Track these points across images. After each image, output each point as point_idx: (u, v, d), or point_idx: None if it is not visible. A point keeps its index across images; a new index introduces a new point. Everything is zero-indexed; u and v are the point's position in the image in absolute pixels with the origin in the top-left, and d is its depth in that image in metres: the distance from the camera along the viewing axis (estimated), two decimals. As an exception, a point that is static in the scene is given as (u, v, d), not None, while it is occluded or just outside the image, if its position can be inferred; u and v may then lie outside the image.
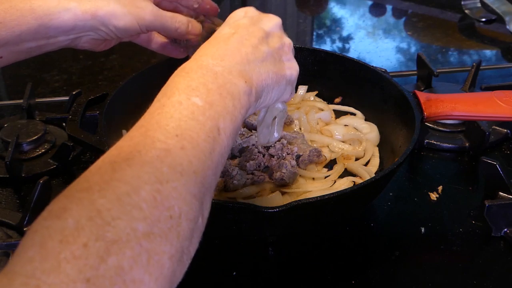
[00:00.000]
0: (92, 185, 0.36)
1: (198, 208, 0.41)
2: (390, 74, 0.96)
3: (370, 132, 0.91)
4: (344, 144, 0.89)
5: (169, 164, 0.40)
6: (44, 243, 0.32)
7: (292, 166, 0.78)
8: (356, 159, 0.86)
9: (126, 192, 0.36)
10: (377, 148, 0.88)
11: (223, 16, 0.66)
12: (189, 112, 0.45)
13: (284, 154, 0.81)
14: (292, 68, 0.59)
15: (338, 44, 1.47)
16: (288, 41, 0.60)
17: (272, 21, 0.60)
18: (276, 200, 0.75)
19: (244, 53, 0.53)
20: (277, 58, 0.57)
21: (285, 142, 0.83)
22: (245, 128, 0.88)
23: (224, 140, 0.46)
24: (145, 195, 0.37)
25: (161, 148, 0.41)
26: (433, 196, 0.83)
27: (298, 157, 0.82)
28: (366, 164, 0.85)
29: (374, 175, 0.81)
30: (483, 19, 1.51)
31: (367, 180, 0.72)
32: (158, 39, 0.79)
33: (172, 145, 0.41)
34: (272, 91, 0.57)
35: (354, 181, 0.80)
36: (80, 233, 0.33)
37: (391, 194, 0.83)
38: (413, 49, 1.41)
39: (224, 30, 0.57)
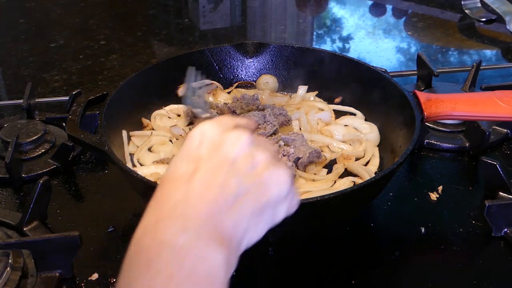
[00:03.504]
0: None
1: None
2: (390, 74, 0.96)
3: (370, 132, 0.91)
4: (344, 144, 0.89)
5: None
6: None
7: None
8: (356, 159, 0.86)
9: None
10: (377, 148, 0.88)
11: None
12: None
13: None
14: (279, 182, 0.47)
15: (338, 44, 1.47)
16: (262, 157, 0.47)
17: (237, 142, 0.47)
18: (276, 200, 0.75)
19: (212, 199, 0.43)
20: (252, 183, 0.46)
21: (282, 143, 0.83)
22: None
23: None
24: None
25: None
26: (433, 196, 0.83)
27: (297, 159, 0.82)
28: (366, 164, 0.85)
29: (374, 175, 0.81)
30: (483, 19, 1.51)
31: (367, 180, 0.72)
32: None
33: None
34: (256, 228, 0.46)
35: (354, 181, 0.80)
36: None
37: (391, 194, 0.83)
38: (413, 49, 1.41)
39: (182, 167, 0.46)
